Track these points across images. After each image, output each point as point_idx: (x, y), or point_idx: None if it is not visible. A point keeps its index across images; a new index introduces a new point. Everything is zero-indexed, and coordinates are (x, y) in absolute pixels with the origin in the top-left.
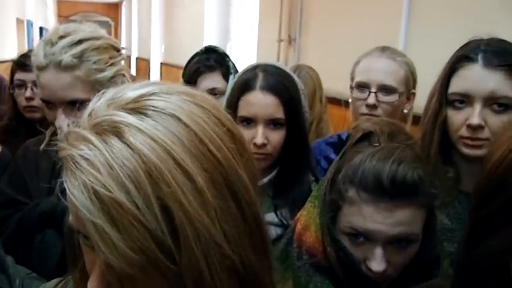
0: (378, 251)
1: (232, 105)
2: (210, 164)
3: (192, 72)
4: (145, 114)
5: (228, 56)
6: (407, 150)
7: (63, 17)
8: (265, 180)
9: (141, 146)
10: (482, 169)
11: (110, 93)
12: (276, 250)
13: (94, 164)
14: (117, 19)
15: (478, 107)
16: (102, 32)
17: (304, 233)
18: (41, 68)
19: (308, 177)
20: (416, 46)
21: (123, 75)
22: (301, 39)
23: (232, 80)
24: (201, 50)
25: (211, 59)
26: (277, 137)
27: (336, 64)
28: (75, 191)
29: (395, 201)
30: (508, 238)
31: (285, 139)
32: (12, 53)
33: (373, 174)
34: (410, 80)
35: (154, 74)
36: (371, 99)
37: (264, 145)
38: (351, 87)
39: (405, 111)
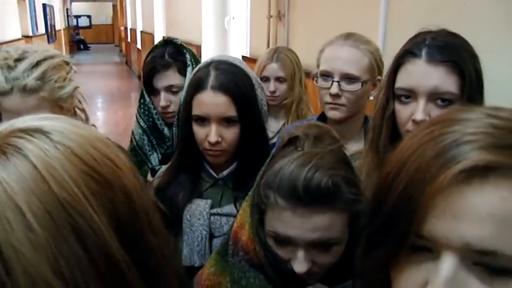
0: (300, 254)
1: (187, 104)
2: (52, 205)
3: (148, 70)
4: (4, 153)
5: (185, 48)
6: (327, 156)
7: None
8: (225, 173)
9: None
10: None
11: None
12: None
13: None
14: None
15: (422, 102)
16: (53, 49)
17: (240, 230)
18: (4, 93)
19: None
20: (397, 22)
21: (78, 86)
22: (290, 15)
23: (190, 72)
24: (160, 43)
25: (167, 55)
26: (230, 133)
27: (323, 40)
28: None
29: (311, 207)
30: (378, 260)
31: (241, 134)
32: (15, 33)
33: (288, 181)
34: (375, 68)
35: None
36: (334, 89)
37: (218, 143)
38: (316, 75)
39: (371, 98)
